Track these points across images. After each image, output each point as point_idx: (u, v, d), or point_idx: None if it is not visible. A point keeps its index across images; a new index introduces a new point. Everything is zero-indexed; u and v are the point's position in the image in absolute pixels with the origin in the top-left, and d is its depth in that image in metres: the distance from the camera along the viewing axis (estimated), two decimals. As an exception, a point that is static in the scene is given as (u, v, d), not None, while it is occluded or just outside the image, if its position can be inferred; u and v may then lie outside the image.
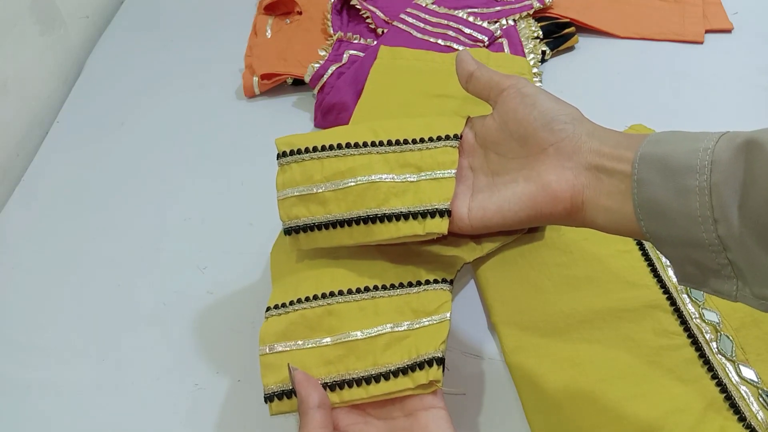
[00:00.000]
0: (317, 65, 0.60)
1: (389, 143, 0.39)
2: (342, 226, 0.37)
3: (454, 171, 0.37)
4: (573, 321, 0.42)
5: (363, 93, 0.55)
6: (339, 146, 0.39)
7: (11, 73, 0.61)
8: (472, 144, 0.39)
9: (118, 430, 0.41)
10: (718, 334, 0.40)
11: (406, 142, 0.39)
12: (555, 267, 0.45)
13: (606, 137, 0.33)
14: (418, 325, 0.36)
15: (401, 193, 0.37)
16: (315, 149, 0.39)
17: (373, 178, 0.37)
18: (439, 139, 0.39)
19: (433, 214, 0.36)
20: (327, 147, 0.39)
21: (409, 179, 0.37)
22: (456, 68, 0.40)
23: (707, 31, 0.65)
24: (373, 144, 0.39)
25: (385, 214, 0.36)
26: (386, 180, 0.37)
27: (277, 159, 0.39)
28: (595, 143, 0.32)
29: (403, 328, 0.36)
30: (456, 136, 0.39)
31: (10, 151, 0.60)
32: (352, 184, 0.37)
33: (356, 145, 0.39)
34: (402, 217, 0.36)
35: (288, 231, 0.38)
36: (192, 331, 0.45)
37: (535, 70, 0.60)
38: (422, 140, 0.39)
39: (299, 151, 0.39)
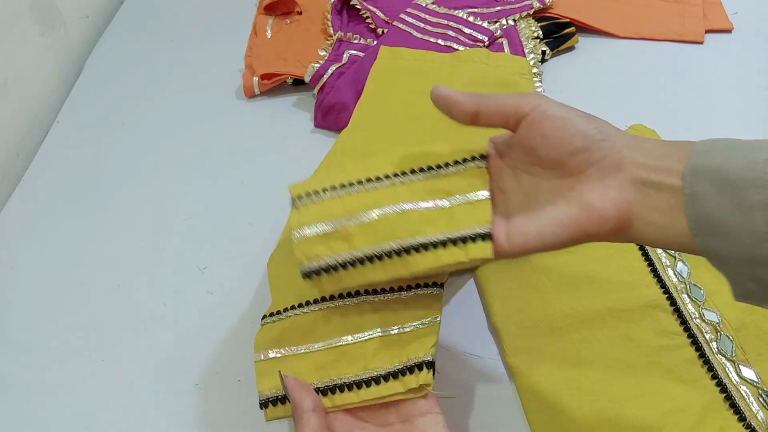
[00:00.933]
0: (317, 65, 0.60)
1: (413, 172, 0.36)
2: (371, 261, 0.33)
3: (487, 193, 0.34)
4: (573, 321, 0.42)
5: (363, 93, 0.55)
6: (359, 182, 0.36)
7: (11, 73, 0.61)
8: (498, 164, 0.36)
9: (118, 430, 0.41)
10: (718, 334, 0.40)
11: (430, 168, 0.36)
12: (555, 267, 0.45)
13: (648, 149, 0.31)
14: (408, 329, 0.36)
15: (434, 220, 0.34)
16: (333, 188, 0.36)
17: (403, 207, 0.34)
18: (465, 161, 0.36)
19: (474, 238, 0.33)
20: (346, 185, 0.36)
21: (441, 205, 0.35)
22: (450, 113, 0.35)
23: (707, 31, 0.65)
24: (396, 175, 0.36)
25: (420, 243, 0.33)
26: (417, 208, 0.34)
27: (291, 206, 0.36)
28: (638, 156, 0.30)
29: (393, 332, 0.36)
30: (482, 157, 0.36)
31: (10, 150, 0.60)
32: (378, 216, 0.34)
33: (378, 179, 0.36)
34: (440, 245, 0.33)
35: (308, 274, 0.34)
36: (192, 331, 0.45)
37: (535, 70, 0.60)
38: (447, 165, 0.36)
39: (315, 193, 0.35)
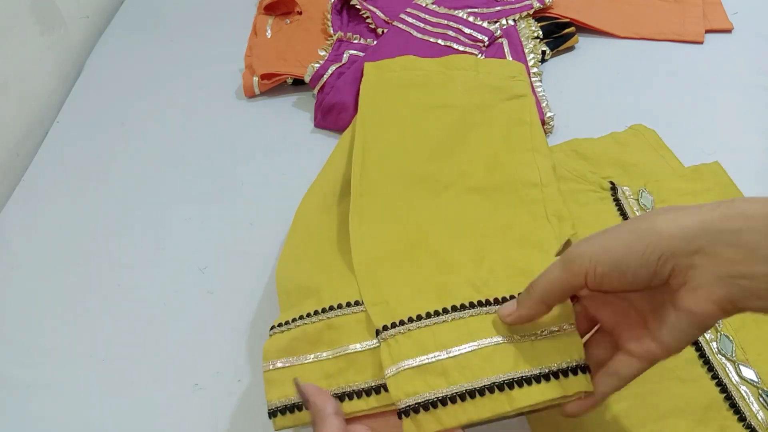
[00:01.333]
0: (317, 65, 0.60)
1: (496, 302, 0.35)
2: (473, 397, 0.32)
3: (573, 325, 0.34)
4: None
5: (359, 116, 0.51)
6: (445, 311, 0.35)
7: (11, 73, 0.61)
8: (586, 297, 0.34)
9: (118, 430, 0.41)
10: (719, 334, 0.40)
11: (510, 297, 0.35)
12: None
13: (722, 239, 0.28)
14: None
15: (528, 354, 0.33)
16: (419, 317, 0.35)
17: (496, 339, 0.33)
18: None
19: (574, 371, 0.32)
20: (432, 314, 0.35)
21: (527, 339, 0.34)
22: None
23: (707, 31, 0.65)
24: (480, 304, 0.35)
25: (522, 377, 0.32)
26: (509, 342, 0.33)
27: (377, 336, 0.35)
28: (719, 252, 0.28)
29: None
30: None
31: (11, 150, 0.60)
32: (472, 348, 0.33)
33: (462, 307, 0.35)
34: (543, 378, 0.32)
35: (405, 412, 0.32)
36: (192, 331, 0.45)
37: (534, 69, 0.60)
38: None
39: (402, 323, 0.35)
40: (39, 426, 0.41)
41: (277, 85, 0.63)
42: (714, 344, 0.40)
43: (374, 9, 0.68)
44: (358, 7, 0.68)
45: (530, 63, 0.61)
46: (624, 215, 0.47)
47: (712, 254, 0.28)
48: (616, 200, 0.48)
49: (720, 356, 0.39)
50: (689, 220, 0.28)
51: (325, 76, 0.60)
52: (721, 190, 0.48)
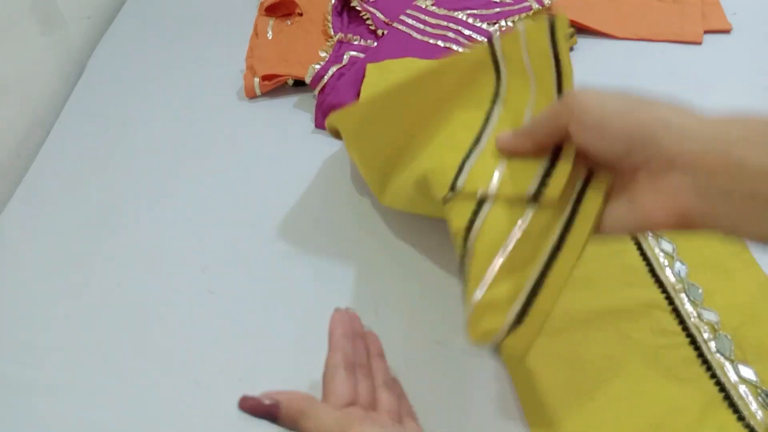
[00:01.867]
0: (318, 66, 0.60)
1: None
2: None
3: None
4: (572, 321, 0.42)
5: (363, 108, 0.48)
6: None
7: (12, 73, 0.61)
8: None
9: (118, 430, 0.41)
10: (717, 333, 0.40)
11: None
12: None
13: (705, 136, 0.26)
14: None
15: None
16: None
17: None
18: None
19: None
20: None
21: None
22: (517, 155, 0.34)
23: (706, 32, 0.65)
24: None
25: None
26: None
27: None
28: (693, 148, 0.26)
29: None
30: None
31: (12, 151, 0.60)
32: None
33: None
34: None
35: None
36: (192, 331, 0.45)
37: (534, 70, 0.60)
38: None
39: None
40: (39, 426, 0.41)
41: (278, 86, 0.63)
42: (712, 344, 0.40)
43: (374, 10, 0.68)
44: (358, 8, 0.68)
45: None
46: None
47: (698, 162, 0.26)
48: None
49: (718, 355, 0.39)
50: (693, 121, 0.27)
51: (326, 77, 0.60)
52: None
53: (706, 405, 0.38)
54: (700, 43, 0.64)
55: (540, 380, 0.39)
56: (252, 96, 0.63)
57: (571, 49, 0.65)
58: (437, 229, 0.48)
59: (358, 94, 0.58)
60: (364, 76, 0.58)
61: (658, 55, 0.64)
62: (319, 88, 0.60)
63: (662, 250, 0.45)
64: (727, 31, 0.65)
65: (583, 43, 0.65)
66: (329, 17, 0.68)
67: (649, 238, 0.46)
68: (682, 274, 0.44)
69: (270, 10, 0.71)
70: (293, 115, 0.61)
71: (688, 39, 0.64)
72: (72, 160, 0.59)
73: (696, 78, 0.61)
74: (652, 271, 0.44)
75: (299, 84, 0.63)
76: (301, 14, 0.71)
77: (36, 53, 0.65)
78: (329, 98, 0.58)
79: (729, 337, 0.40)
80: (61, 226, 0.53)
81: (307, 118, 0.61)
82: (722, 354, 0.40)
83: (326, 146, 0.57)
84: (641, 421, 0.37)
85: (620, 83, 0.60)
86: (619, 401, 0.38)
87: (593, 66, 0.63)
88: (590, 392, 0.39)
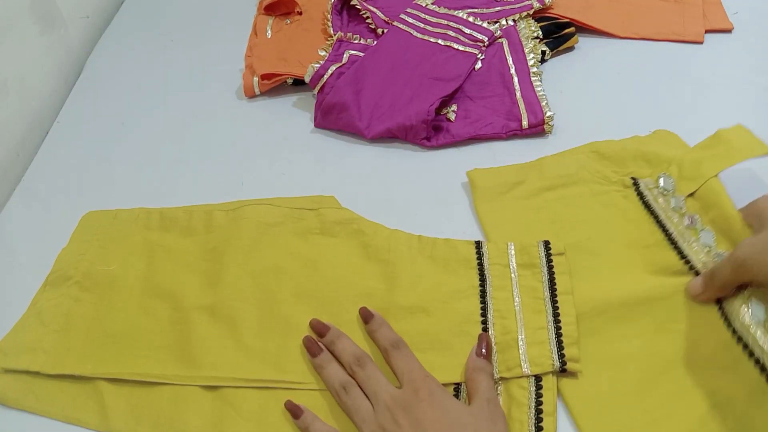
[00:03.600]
0: (317, 65, 0.60)
1: None
2: None
3: None
4: (607, 317, 0.41)
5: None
6: None
7: (11, 73, 0.61)
8: None
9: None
10: (749, 300, 0.40)
11: None
12: (583, 270, 0.44)
13: None
14: None
15: None
16: None
17: None
18: None
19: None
20: None
21: None
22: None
23: (707, 31, 0.65)
24: None
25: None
26: None
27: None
28: None
29: None
30: None
31: (11, 150, 0.60)
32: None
33: None
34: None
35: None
36: (192, 330, 0.45)
37: (534, 69, 0.60)
38: None
39: None
40: (39, 426, 0.41)
41: (278, 85, 0.63)
42: (745, 312, 0.39)
43: (374, 9, 0.68)
44: (358, 7, 0.68)
45: (530, 63, 0.61)
46: (648, 207, 0.47)
47: None
48: (640, 194, 0.48)
49: (754, 328, 0.38)
50: None
51: (326, 77, 0.60)
52: (748, 147, 0.48)
53: (750, 391, 0.37)
54: (701, 43, 0.64)
55: (585, 383, 0.39)
56: (251, 95, 0.63)
57: (572, 48, 0.65)
58: (437, 231, 0.48)
59: (358, 94, 0.57)
60: (368, 68, 0.58)
61: (659, 55, 0.64)
62: (318, 87, 0.60)
63: (702, 250, 0.44)
64: (728, 31, 0.65)
65: (584, 42, 0.65)
66: (329, 16, 0.68)
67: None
68: (711, 244, 0.43)
69: (269, 9, 0.71)
70: (292, 114, 0.61)
71: (689, 38, 0.64)
72: (71, 159, 0.59)
73: (697, 77, 0.61)
74: (683, 256, 0.44)
75: (298, 83, 0.63)
76: (300, 13, 0.71)
77: (35, 53, 0.65)
78: (329, 97, 0.58)
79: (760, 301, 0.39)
80: (60, 226, 0.53)
81: (306, 118, 0.61)
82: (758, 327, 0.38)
83: (325, 145, 0.57)
84: (691, 417, 0.37)
85: (621, 83, 0.61)
86: (666, 399, 0.38)
87: (594, 65, 0.63)
88: (636, 392, 0.38)
